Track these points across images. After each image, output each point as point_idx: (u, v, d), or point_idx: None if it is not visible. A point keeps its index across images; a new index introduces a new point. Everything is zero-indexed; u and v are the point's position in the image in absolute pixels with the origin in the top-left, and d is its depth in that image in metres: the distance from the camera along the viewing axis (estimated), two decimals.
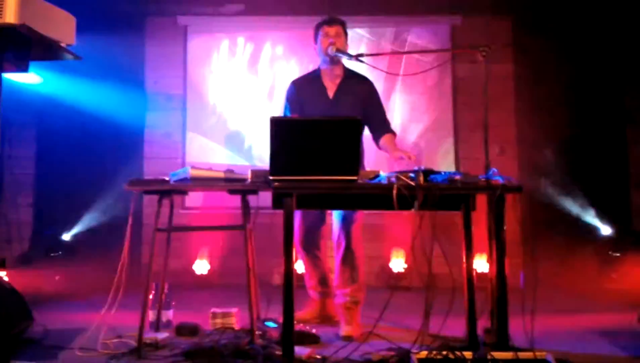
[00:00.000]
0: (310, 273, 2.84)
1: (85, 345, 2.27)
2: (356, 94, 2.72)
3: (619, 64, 4.20)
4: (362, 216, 2.74)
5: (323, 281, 2.82)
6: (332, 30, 2.68)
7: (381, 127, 2.74)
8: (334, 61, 2.70)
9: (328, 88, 2.73)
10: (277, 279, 4.10)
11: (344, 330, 2.52)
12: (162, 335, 2.38)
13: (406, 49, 4.32)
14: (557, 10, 4.18)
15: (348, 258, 2.66)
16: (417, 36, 4.40)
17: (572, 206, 4.19)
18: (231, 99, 4.42)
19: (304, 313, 2.82)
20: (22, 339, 2.37)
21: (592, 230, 4.13)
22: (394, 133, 2.77)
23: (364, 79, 2.79)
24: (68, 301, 3.42)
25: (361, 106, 2.70)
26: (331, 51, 2.62)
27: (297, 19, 4.38)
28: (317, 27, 2.75)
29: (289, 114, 2.79)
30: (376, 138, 2.75)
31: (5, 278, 2.83)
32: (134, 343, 2.24)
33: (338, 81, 2.74)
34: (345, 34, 2.74)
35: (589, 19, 4.15)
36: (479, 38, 4.27)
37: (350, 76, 2.77)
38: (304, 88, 2.78)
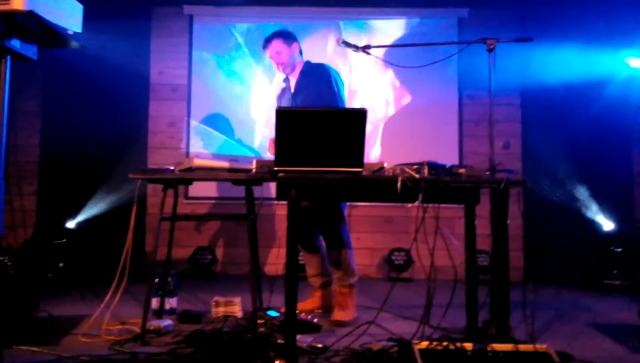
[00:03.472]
0: (310, 264, 2.86)
1: (89, 331, 2.30)
2: (310, 84, 2.78)
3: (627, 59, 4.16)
4: (345, 205, 2.79)
5: (323, 271, 2.84)
6: (269, 52, 2.84)
7: None
8: (290, 69, 2.84)
9: (291, 85, 2.88)
10: (280, 269, 4.13)
11: (336, 314, 2.56)
12: (166, 322, 2.41)
13: (413, 41, 4.30)
14: (566, 3, 4.14)
15: (332, 244, 2.71)
16: (424, 28, 4.38)
17: (575, 201, 4.19)
18: (236, 90, 4.41)
19: (306, 303, 2.84)
20: (27, 324, 2.40)
21: (594, 225, 4.13)
22: None
23: (319, 68, 2.85)
24: (72, 288, 3.45)
25: (316, 94, 2.75)
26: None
27: (303, 9, 4.37)
28: None
29: None
30: None
31: (10, 264, 2.86)
32: (137, 330, 2.27)
33: (297, 75, 2.85)
34: (287, 41, 2.83)
35: (596, 14, 4.11)
36: (486, 31, 4.24)
37: (306, 69, 2.86)
38: (280, 93, 2.96)
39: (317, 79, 2.78)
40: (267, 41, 2.84)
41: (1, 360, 1.62)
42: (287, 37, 2.86)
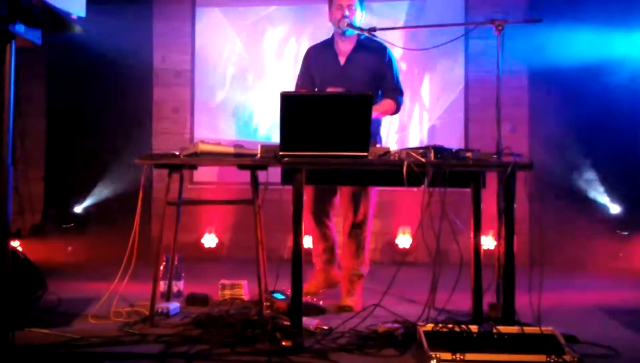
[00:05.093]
0: (318, 241, 2.86)
1: (98, 314, 2.33)
2: (367, 62, 2.71)
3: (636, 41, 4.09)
4: (375, 192, 2.73)
5: (329, 250, 2.84)
6: (345, 1, 2.64)
7: (386, 93, 2.76)
8: (346, 33, 2.69)
9: (340, 55, 2.75)
10: (286, 253, 4.15)
11: (344, 300, 2.57)
12: (173, 305, 2.44)
13: (419, 23, 4.24)
14: None
15: (354, 232, 2.68)
16: (430, 10, 4.31)
17: (582, 184, 4.16)
18: (239, 74, 4.38)
19: (309, 285, 2.84)
20: (37, 307, 2.44)
21: (601, 209, 4.11)
22: (394, 100, 2.75)
23: (377, 46, 2.76)
24: (80, 272, 3.49)
25: (372, 74, 2.70)
26: (343, 25, 2.60)
27: None
28: None
29: (300, 79, 2.84)
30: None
31: (20, 249, 2.89)
32: (146, 312, 2.30)
33: (350, 48, 2.73)
34: (362, 4, 2.71)
35: None
36: (492, 13, 4.17)
37: (364, 43, 2.75)
38: (317, 55, 2.82)
39: (390, 62, 2.74)
40: None
41: (13, 342, 1.65)
42: (363, 1, 2.73)
